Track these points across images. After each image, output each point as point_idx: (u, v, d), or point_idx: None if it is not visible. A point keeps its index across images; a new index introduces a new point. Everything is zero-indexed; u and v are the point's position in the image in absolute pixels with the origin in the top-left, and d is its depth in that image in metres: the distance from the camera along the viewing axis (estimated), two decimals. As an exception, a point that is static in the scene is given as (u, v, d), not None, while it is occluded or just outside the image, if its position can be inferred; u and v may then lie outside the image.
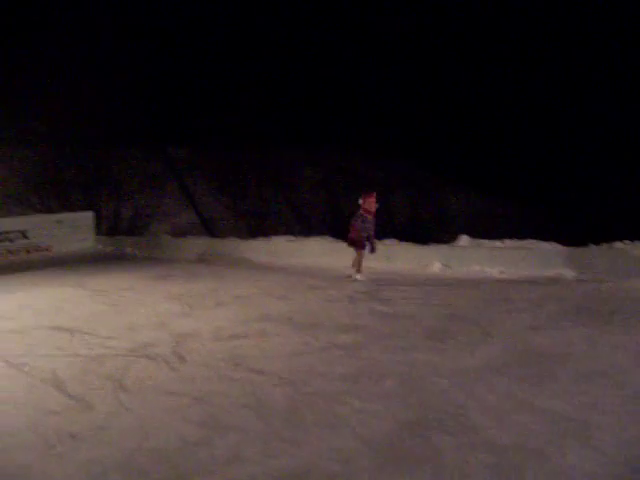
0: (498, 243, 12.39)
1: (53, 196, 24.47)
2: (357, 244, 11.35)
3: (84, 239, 18.14)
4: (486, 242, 12.51)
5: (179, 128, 28.62)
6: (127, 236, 20.87)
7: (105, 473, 4.40)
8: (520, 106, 30.00)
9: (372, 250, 11.44)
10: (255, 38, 31.56)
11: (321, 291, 10.62)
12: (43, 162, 24.94)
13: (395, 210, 30.11)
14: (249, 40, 31.47)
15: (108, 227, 22.99)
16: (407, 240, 13.66)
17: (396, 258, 12.65)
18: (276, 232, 21.61)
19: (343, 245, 13.70)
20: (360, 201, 11.31)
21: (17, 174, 24.61)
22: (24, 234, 17.01)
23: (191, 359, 6.94)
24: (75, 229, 18.02)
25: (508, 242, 12.37)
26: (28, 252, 16.95)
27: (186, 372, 6.51)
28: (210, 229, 25.86)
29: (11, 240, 16.73)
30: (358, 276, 11.41)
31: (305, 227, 26.78)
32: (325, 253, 13.54)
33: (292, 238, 14.68)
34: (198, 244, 16.37)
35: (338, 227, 23.83)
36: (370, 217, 11.27)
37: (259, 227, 26.14)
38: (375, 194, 11.35)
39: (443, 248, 12.57)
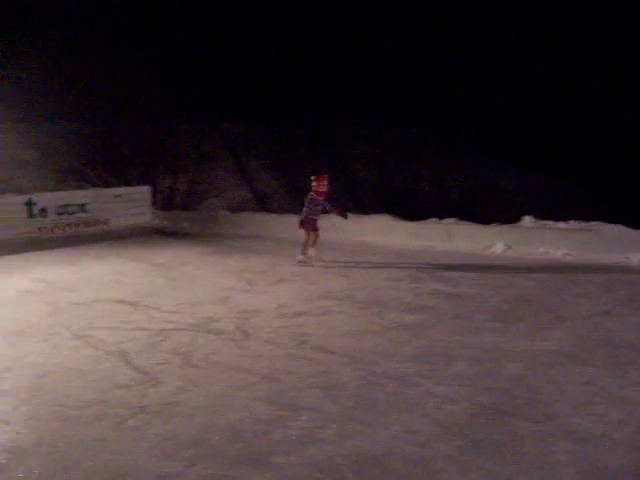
0: (563, 224, 12.06)
1: (110, 170, 24.71)
2: (306, 225, 11.42)
3: (141, 213, 18.22)
4: (550, 223, 12.19)
5: (234, 104, 28.58)
6: (183, 211, 20.96)
7: (179, 449, 4.36)
8: (584, 81, 29.19)
9: (345, 216, 11.92)
10: (307, 13, 31.29)
11: (381, 269, 10.50)
12: (100, 137, 25.15)
13: (450, 188, 29.78)
14: (301, 15, 31.22)
15: (164, 202, 23.12)
16: (467, 220, 13.40)
17: (457, 238, 12.42)
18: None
19: (402, 223, 13.60)
20: (313, 183, 11.38)
21: (75, 149, 24.88)
22: (83, 208, 17.18)
23: (256, 336, 6.89)
24: (132, 203, 18.10)
25: (574, 224, 12.02)
26: (87, 225, 17.12)
27: (252, 349, 6.46)
28: (264, 205, 25.87)
29: (70, 213, 16.91)
30: (299, 257, 11.32)
31: (359, 204, 26.62)
32: (383, 231, 13.37)
33: (351, 215, 14.47)
34: (254, 220, 16.33)
35: (393, 204, 23.66)
36: (321, 199, 11.37)
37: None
38: (327, 177, 11.49)
39: (505, 229, 12.29)
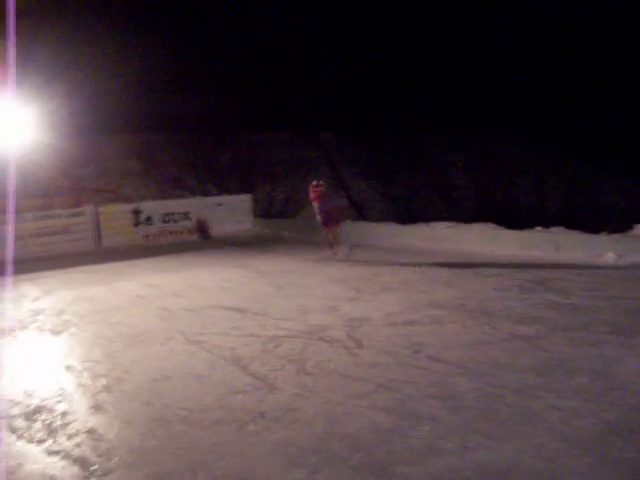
0: (679, 233, 11.54)
1: (210, 179, 25.29)
2: (328, 223, 13.00)
3: (242, 221, 18.61)
4: (665, 232, 11.68)
5: (330, 113, 28.73)
6: (281, 219, 21.21)
7: (302, 455, 4.39)
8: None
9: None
10: (397, 24, 31.19)
11: (488, 278, 10.27)
12: (201, 147, 25.78)
13: (550, 197, 29.06)
14: (391, 27, 31.15)
15: (263, 210, 23.45)
16: (575, 228, 12.98)
17: (565, 247, 12.06)
18: (426, 217, 21.30)
19: (506, 231, 13.33)
20: (320, 189, 13.07)
21: (176, 159, 25.59)
22: (186, 215, 17.66)
23: (368, 344, 6.87)
24: (233, 211, 18.52)
25: (689, 232, 11.49)
26: (190, 233, 17.59)
27: (365, 357, 6.44)
28: (361, 213, 25.89)
29: (175, 221, 17.42)
30: (335, 250, 12.91)
31: (454, 212, 26.29)
32: (487, 240, 13.11)
33: (452, 224, 14.34)
34: (353, 228, 16.28)
35: (491, 213, 23.22)
36: (324, 199, 13.09)
37: (409, 212, 25.89)
38: (321, 182, 13.48)
39: (616, 237, 11.83)
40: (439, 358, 6.27)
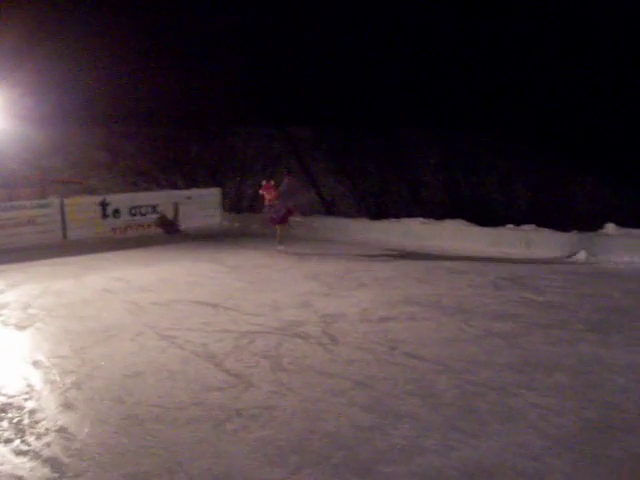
0: (648, 232, 11.59)
1: (178, 172, 25.01)
2: (277, 221, 13.40)
3: (211, 215, 18.39)
4: (635, 231, 11.73)
5: (300, 108, 28.59)
6: (250, 213, 21.02)
7: (281, 454, 4.28)
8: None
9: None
10: (370, 21, 31.16)
11: (462, 275, 10.25)
12: (169, 140, 25.48)
13: (518, 195, 29.30)
14: (364, 23, 31.11)
15: (232, 204, 23.25)
16: (546, 226, 13.01)
17: (536, 245, 12.09)
18: (396, 213, 21.33)
19: (477, 229, 13.33)
20: (275, 189, 13.37)
21: (145, 151, 25.25)
22: (155, 209, 17.41)
23: (344, 341, 6.78)
24: (203, 205, 18.28)
25: (659, 231, 11.56)
26: (158, 226, 17.35)
27: (341, 354, 6.35)
28: (331, 209, 25.81)
29: (143, 214, 17.15)
30: (280, 247, 13.19)
31: (423, 209, 26.33)
32: (458, 236, 13.11)
33: (425, 220, 14.29)
34: (324, 223, 16.18)
35: (460, 210, 23.33)
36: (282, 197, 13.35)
37: (379, 208, 25.90)
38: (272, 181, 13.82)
39: (587, 236, 11.87)
40: (416, 355, 6.20)
